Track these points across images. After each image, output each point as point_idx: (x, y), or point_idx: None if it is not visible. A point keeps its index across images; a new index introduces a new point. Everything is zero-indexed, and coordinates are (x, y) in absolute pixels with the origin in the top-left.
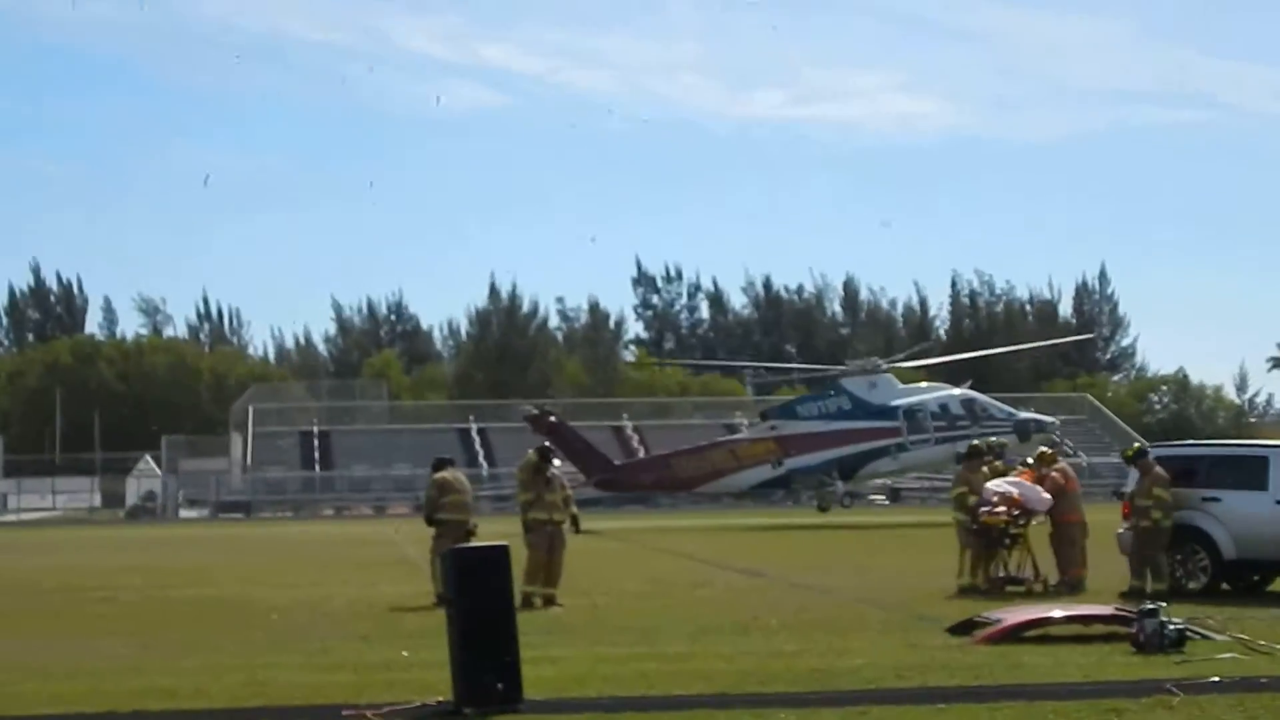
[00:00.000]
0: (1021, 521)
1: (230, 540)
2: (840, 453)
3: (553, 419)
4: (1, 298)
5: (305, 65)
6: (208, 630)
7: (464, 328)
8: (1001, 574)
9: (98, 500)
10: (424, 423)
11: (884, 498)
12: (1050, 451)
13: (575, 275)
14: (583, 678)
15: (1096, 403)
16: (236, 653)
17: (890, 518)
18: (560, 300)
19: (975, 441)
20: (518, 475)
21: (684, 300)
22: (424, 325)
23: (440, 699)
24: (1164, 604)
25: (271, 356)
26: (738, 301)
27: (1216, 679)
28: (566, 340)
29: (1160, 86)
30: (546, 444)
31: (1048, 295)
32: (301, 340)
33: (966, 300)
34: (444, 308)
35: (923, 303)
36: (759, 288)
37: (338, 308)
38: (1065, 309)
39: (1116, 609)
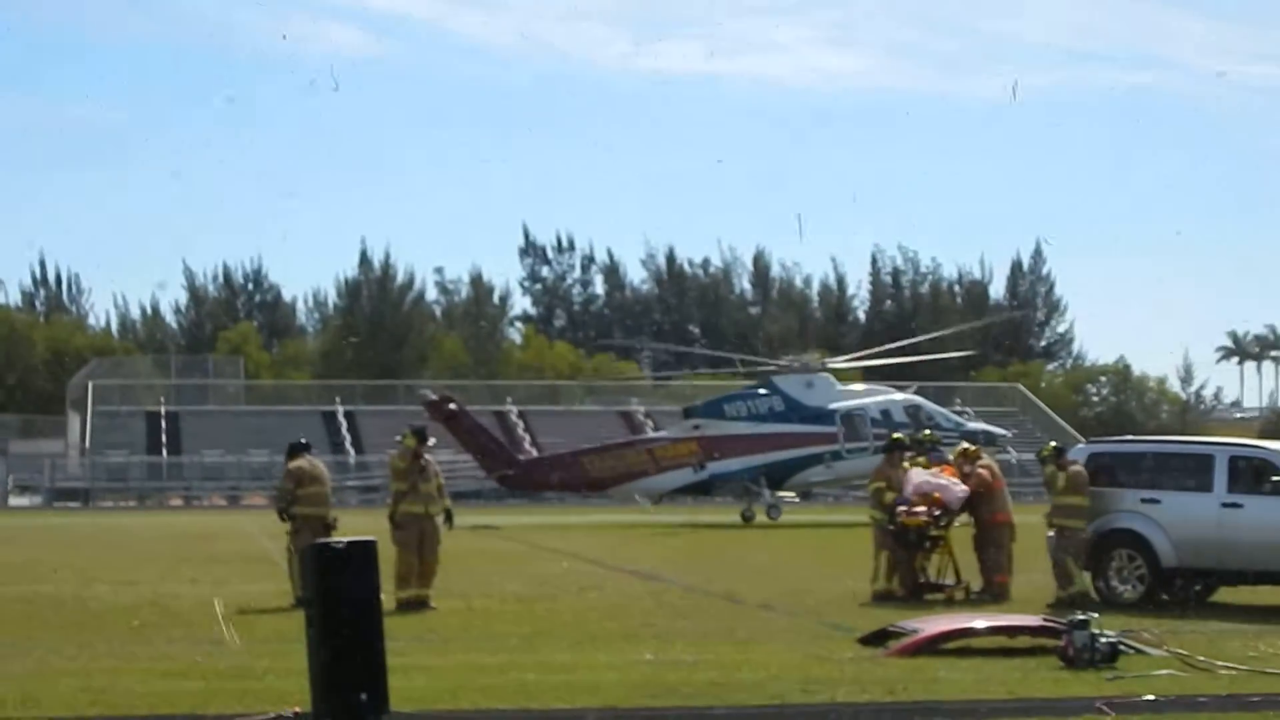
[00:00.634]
0: (943, 523)
1: (66, 531)
2: (769, 459)
3: (453, 406)
4: None
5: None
6: (39, 632)
7: (331, 299)
8: (920, 579)
9: None
10: (285, 404)
11: (793, 495)
12: (973, 448)
13: (456, 244)
14: (456, 689)
15: (1029, 394)
16: (72, 657)
17: (800, 516)
18: (439, 271)
19: (897, 434)
20: (393, 462)
21: (576, 273)
22: (286, 296)
23: (297, 710)
24: (1095, 615)
25: (114, 328)
26: (636, 275)
27: (1151, 697)
28: (445, 315)
29: (1109, 46)
30: (421, 425)
31: (978, 275)
32: (148, 310)
33: (888, 279)
34: (309, 277)
35: (840, 281)
36: (660, 260)
37: (189, 274)
38: (998, 290)
39: (1044, 620)
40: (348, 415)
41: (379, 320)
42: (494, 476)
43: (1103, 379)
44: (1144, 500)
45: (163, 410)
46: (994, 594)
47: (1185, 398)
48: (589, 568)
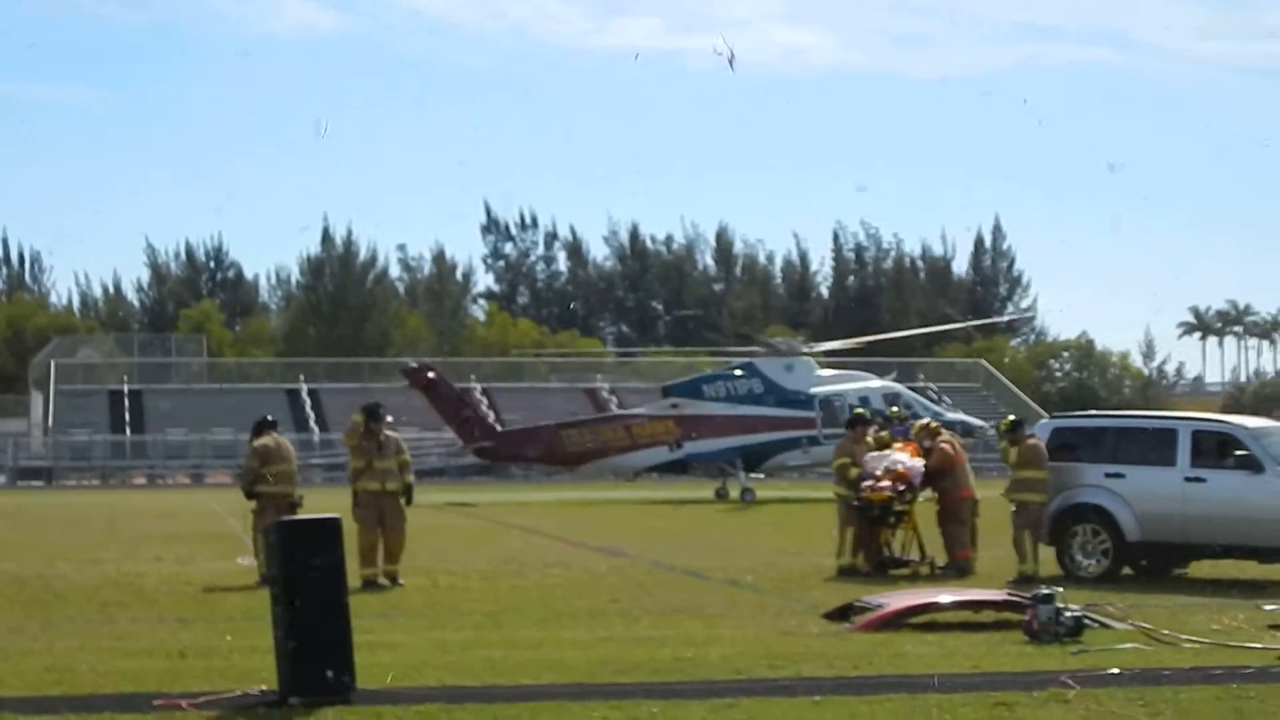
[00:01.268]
0: (908, 498)
1: (29, 510)
2: (745, 440)
3: (431, 375)
4: None
5: None
6: (2, 611)
7: (294, 277)
8: (885, 555)
9: None
10: (248, 382)
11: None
12: (934, 423)
13: (418, 221)
14: (421, 665)
15: (992, 369)
16: (36, 635)
17: (765, 491)
18: (402, 248)
19: (859, 409)
20: (345, 441)
21: (539, 250)
22: (248, 274)
23: (264, 688)
24: (1059, 589)
25: (76, 306)
26: (599, 252)
27: (1116, 671)
28: (408, 293)
29: (1071, 21)
30: (374, 402)
31: (940, 251)
32: (110, 288)
33: (851, 255)
34: (271, 254)
35: (803, 257)
36: (623, 237)
37: (151, 252)
38: (960, 266)
39: (1008, 594)
40: (311, 393)
41: (341, 298)
42: (471, 448)
43: (1065, 354)
44: (1108, 475)
45: (125, 389)
46: (958, 569)
47: (1148, 373)
48: (553, 544)
